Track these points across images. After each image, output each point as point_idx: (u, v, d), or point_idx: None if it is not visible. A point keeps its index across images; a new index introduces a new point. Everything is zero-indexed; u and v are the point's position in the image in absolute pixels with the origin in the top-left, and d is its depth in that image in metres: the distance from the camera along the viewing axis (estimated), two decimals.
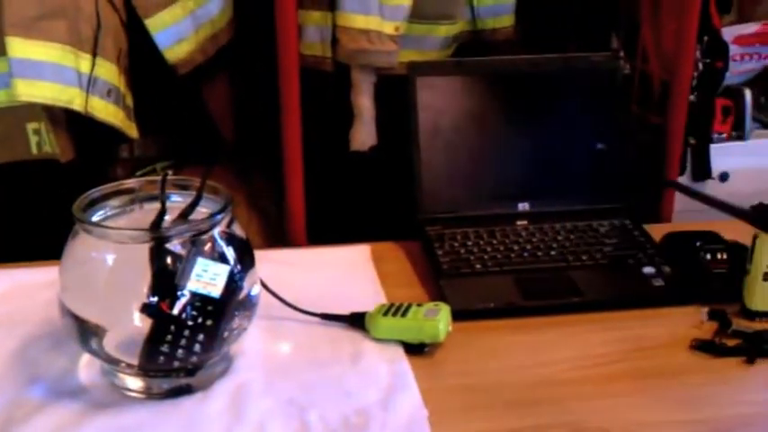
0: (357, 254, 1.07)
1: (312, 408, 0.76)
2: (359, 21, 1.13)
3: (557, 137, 1.14)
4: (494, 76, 1.13)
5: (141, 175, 1.22)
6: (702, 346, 0.87)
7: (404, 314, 0.87)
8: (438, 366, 0.85)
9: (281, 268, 0.95)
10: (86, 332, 0.77)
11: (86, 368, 0.82)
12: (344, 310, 0.91)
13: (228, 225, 0.79)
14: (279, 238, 1.18)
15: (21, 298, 0.94)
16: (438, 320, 0.85)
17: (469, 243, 1.04)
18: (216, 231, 0.77)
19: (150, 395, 0.79)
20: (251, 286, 0.80)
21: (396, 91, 1.13)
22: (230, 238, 0.78)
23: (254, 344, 0.86)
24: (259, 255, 0.81)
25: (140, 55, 1.13)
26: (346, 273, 1.02)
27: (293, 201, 1.12)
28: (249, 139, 1.26)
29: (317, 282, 1.00)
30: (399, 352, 0.85)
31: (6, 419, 0.74)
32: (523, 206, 1.11)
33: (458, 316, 0.89)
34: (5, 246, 1.11)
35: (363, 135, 1.17)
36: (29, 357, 0.84)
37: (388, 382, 0.80)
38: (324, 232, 1.16)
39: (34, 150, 1.12)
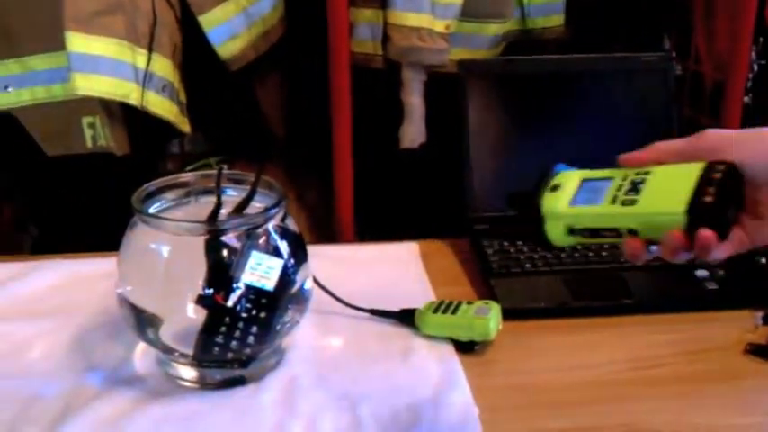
0: (405, 251, 1.07)
1: (363, 402, 0.77)
2: (410, 18, 1.13)
3: (606, 137, 1.13)
4: (544, 76, 1.13)
5: (192, 170, 1.24)
6: (757, 351, 0.86)
7: (454, 311, 0.87)
8: (488, 365, 0.85)
9: (330, 264, 0.96)
10: (143, 322, 0.78)
11: (142, 357, 0.83)
12: (393, 306, 0.91)
13: (282, 219, 0.80)
14: (326, 234, 1.19)
15: (79, 288, 0.96)
16: (489, 319, 0.85)
17: (519, 242, 1.03)
18: (270, 225, 0.78)
19: (204, 385, 0.80)
20: (304, 280, 0.81)
21: (446, 89, 1.14)
22: (284, 233, 0.79)
23: (306, 337, 0.87)
24: (309, 250, 0.82)
25: (193, 51, 1.15)
26: (395, 270, 1.03)
27: (342, 197, 1.13)
28: (299, 135, 1.27)
29: (365, 278, 1.00)
30: (449, 349, 0.85)
31: (65, 406, 0.76)
32: None
33: (507, 315, 0.88)
34: (63, 237, 1.13)
35: (413, 133, 1.17)
36: (87, 346, 0.85)
37: (438, 379, 0.80)
38: (372, 229, 1.17)
39: (89, 144, 1.14)
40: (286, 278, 0.77)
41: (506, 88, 1.12)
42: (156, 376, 0.81)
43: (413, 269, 1.03)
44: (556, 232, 0.62)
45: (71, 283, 0.97)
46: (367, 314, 0.91)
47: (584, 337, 0.89)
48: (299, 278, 0.79)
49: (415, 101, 1.17)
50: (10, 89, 1.09)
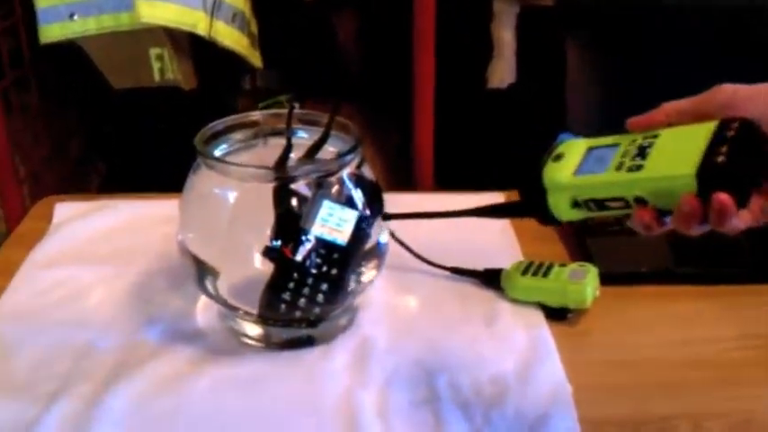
0: (489, 201, 0.98)
1: (441, 372, 0.69)
2: None
3: (713, 77, 1.01)
4: (654, 10, 1.01)
5: (264, 108, 1.17)
6: None
7: (545, 274, 0.78)
8: (581, 336, 0.76)
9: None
10: (204, 274, 0.72)
11: (204, 311, 0.77)
12: (476, 264, 0.83)
13: (358, 166, 0.72)
14: (403, 180, 1.11)
15: (141, 232, 0.91)
16: (585, 284, 0.76)
17: None
18: (344, 173, 0.70)
19: (269, 344, 0.74)
20: (380, 234, 0.73)
21: (540, 24, 1.03)
22: (359, 181, 0.71)
23: (380, 296, 0.79)
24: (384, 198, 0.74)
25: None
26: (478, 223, 0.93)
27: (422, 141, 1.04)
28: (376, 72, 1.19)
29: (445, 231, 0.91)
30: (539, 316, 0.77)
31: (119, 362, 0.70)
32: None
33: (604, 280, 0.79)
34: (132, 175, 1.08)
35: (503, 71, 1.07)
36: (145, 296, 0.80)
37: (526, 350, 0.72)
38: (453, 177, 1.08)
39: (157, 77, 1.10)
40: (360, 232, 0.70)
41: (610, 25, 1.01)
42: (218, 332, 0.75)
43: (498, 223, 0.94)
44: (560, 205, 0.57)
45: (133, 226, 0.92)
46: (447, 273, 0.83)
47: (689, 307, 0.80)
48: (374, 232, 0.72)
49: (506, 36, 1.07)
50: (75, 17, 1.03)
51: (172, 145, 0.95)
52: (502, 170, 1.08)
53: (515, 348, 0.73)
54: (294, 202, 0.68)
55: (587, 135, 0.60)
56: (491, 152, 1.15)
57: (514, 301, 0.79)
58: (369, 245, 0.71)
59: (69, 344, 0.73)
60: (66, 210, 0.95)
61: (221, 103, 1.22)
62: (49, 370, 0.70)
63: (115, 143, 1.30)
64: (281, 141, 0.73)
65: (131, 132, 1.22)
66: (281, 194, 0.68)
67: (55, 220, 0.94)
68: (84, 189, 1.36)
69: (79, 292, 0.80)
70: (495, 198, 0.98)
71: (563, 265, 0.79)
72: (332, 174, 0.69)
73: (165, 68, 1.07)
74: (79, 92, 1.24)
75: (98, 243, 0.89)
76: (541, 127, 1.00)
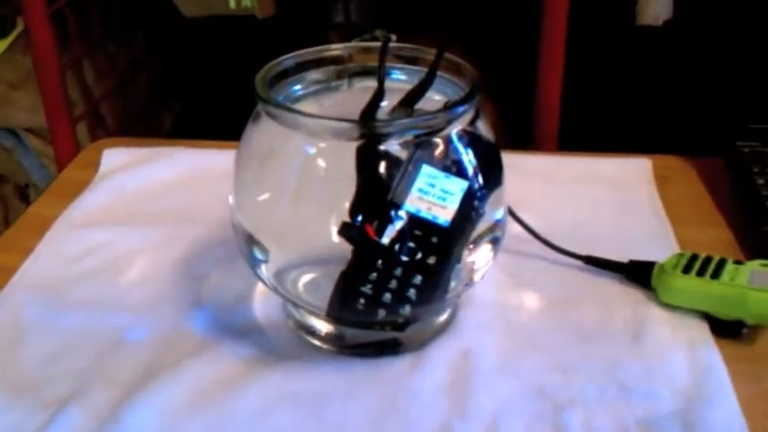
0: (633, 170, 0.77)
1: (572, 406, 0.51)
2: None
3: None
4: None
5: None
6: None
7: (715, 274, 0.58)
8: (762, 361, 0.56)
9: (525, 181, 0.69)
10: (259, 255, 0.55)
11: (263, 297, 0.61)
12: (617, 253, 0.63)
13: (472, 122, 0.53)
14: (520, 139, 0.92)
15: (197, 188, 0.75)
16: None
17: None
18: (454, 130, 0.52)
19: (342, 347, 0.57)
20: (496, 212, 0.55)
21: None
22: (473, 142, 0.53)
23: (488, 293, 0.61)
24: None
25: None
26: (618, 197, 0.74)
27: (547, 92, 0.85)
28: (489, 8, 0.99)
29: (576, 206, 0.72)
30: (703, 331, 0.57)
31: (152, 361, 0.55)
32: None
33: None
34: (201, 117, 0.94)
35: (656, 5, 0.85)
36: (196, 273, 0.64)
37: (689, 380, 0.53)
38: (581, 136, 0.88)
39: (232, 4, 0.94)
40: (470, 209, 0.51)
41: None
42: (278, 327, 0.58)
43: (644, 198, 0.74)
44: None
45: (191, 181, 0.76)
46: (580, 263, 0.64)
47: None
48: (488, 209, 0.53)
49: None
50: None
51: (246, 85, 0.80)
52: (651, 129, 0.88)
53: (673, 376, 0.53)
54: (383, 166, 0.50)
55: None
56: (632, 107, 0.94)
57: (669, 306, 0.59)
58: (481, 226, 0.53)
59: (93, 332, 0.58)
60: (115, 157, 0.81)
61: (308, 40, 1.04)
62: (63, 366, 0.55)
63: (187, 80, 1.15)
64: (370, 84, 0.55)
65: (204, 68, 1.07)
66: (367, 156, 0.50)
67: (102, 169, 0.79)
68: (155, 131, 1.22)
69: (115, 262, 0.65)
70: (640, 167, 0.78)
71: (739, 262, 0.59)
72: (437, 131, 0.51)
73: None
74: (147, 19, 1.09)
75: (145, 201, 0.74)
76: (706, 78, 0.79)
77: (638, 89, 0.93)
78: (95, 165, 0.80)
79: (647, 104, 0.92)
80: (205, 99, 1.20)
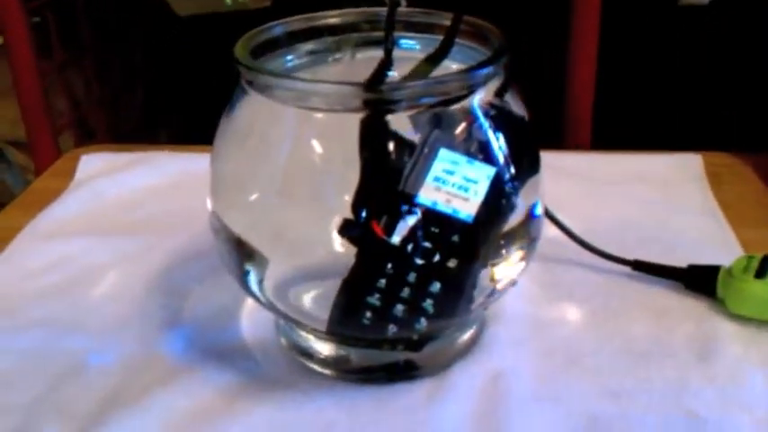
0: (682, 166, 0.68)
1: None
2: None
3: None
4: None
5: None
6: None
7: None
8: None
9: (561, 182, 0.59)
10: (247, 263, 0.46)
11: (251, 314, 0.52)
12: (669, 258, 0.54)
13: (500, 93, 0.44)
14: (548, 135, 0.83)
15: (179, 195, 0.67)
16: None
17: None
18: (475, 101, 0.42)
19: (345, 372, 0.47)
20: (531, 206, 0.46)
21: None
22: (502, 119, 0.43)
23: (520, 305, 0.51)
24: None
25: None
26: (666, 196, 0.65)
27: (580, 82, 0.76)
28: None
29: (619, 206, 0.63)
30: None
31: (118, 390, 0.46)
32: None
33: None
34: (192, 134, 0.86)
35: None
36: (173, 288, 0.55)
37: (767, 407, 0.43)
38: (615, 131, 0.79)
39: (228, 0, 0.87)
40: (499, 201, 0.42)
41: None
42: (269, 349, 0.49)
43: (697, 197, 0.64)
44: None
45: (173, 188, 0.68)
46: (628, 269, 0.54)
47: None
48: (521, 202, 0.44)
49: None
50: None
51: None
52: (693, 123, 0.79)
53: (752, 403, 0.44)
54: (391, 147, 0.41)
55: None
56: (678, 97, 0.85)
57: (740, 318, 0.50)
58: (513, 222, 0.43)
59: (47, 356, 0.49)
60: (92, 163, 0.73)
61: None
62: (9, 396, 0.46)
63: (184, 91, 1.07)
64: (377, 55, 0.46)
65: (202, 75, 0.99)
66: (373, 132, 0.41)
67: (78, 176, 0.71)
68: (151, 142, 1.14)
69: (82, 276, 0.57)
70: (690, 163, 0.69)
71: None
72: (455, 100, 0.41)
73: None
74: (140, 21, 1.01)
75: (123, 209, 0.65)
76: (753, 67, 0.70)
77: (678, 78, 0.84)
78: (72, 173, 0.72)
79: (689, 95, 0.83)
80: (204, 111, 1.12)
